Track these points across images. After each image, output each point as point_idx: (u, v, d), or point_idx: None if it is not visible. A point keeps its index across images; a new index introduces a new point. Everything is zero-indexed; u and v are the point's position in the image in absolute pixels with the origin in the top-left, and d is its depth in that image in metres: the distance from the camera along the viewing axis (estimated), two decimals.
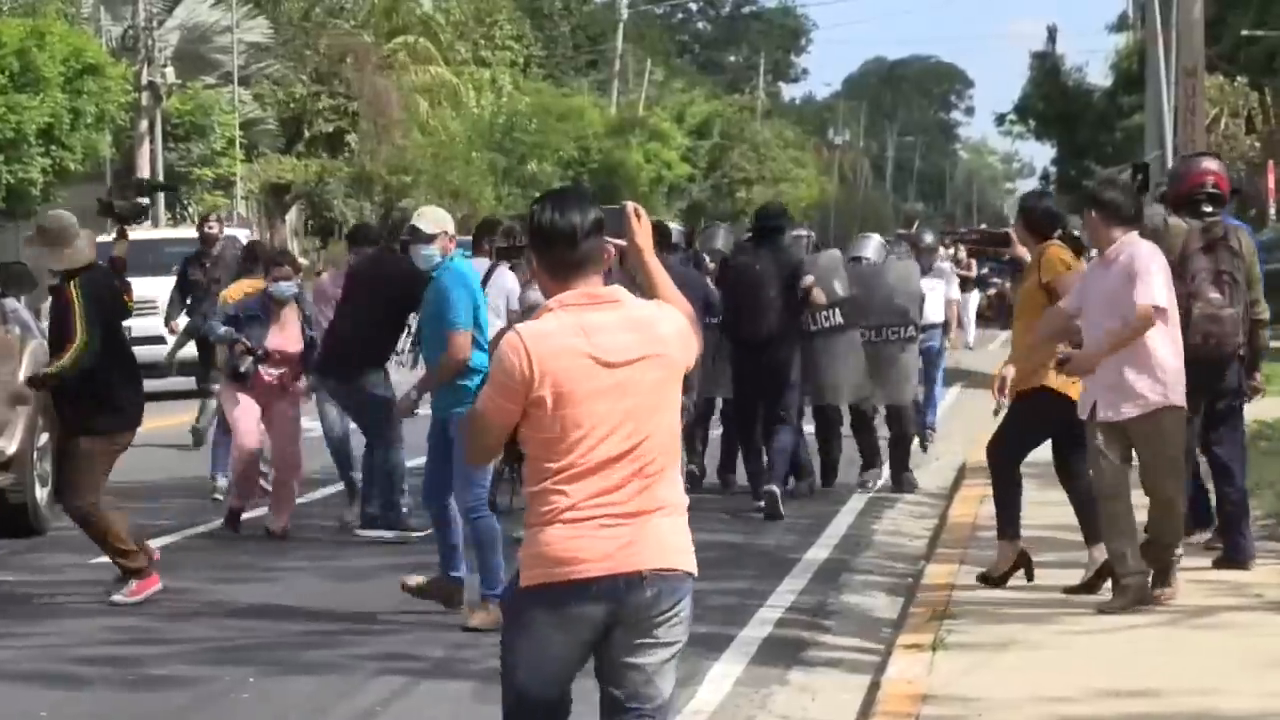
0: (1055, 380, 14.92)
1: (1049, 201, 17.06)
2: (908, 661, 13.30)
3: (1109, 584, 14.87)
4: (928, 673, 12.85)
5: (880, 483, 24.15)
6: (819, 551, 19.66)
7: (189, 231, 41.01)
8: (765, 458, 22.39)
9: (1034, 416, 15.64)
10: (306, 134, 73.50)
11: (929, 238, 30.76)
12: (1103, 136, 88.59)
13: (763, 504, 21.32)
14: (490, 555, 14.63)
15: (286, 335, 17.99)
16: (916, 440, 25.59)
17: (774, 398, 21.87)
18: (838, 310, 22.47)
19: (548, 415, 7.45)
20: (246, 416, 18.81)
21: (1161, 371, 14.12)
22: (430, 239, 14.34)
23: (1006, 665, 13.06)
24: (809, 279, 21.27)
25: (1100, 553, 15.02)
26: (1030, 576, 15.74)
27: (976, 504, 20.93)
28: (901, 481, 23.24)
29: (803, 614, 16.33)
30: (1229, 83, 59.45)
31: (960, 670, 12.87)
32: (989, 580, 15.69)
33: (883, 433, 24.41)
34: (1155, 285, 13.80)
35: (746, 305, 21.69)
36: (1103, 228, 14.12)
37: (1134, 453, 14.60)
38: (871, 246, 23.26)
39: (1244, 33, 45.11)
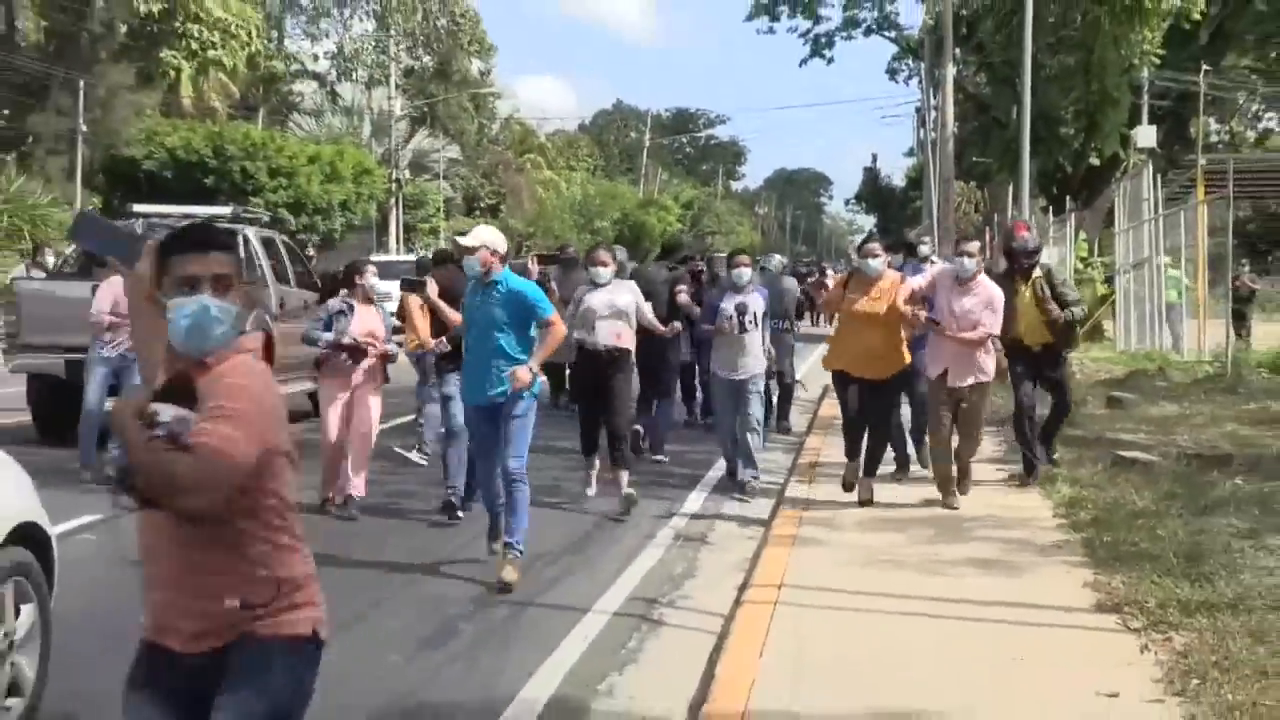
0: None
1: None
2: (798, 489, 13.12)
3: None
4: (808, 492, 12.77)
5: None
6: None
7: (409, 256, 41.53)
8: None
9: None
10: (479, 206, 73.61)
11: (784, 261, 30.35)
12: (901, 213, 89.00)
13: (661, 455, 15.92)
14: (525, 517, 9.78)
15: (373, 318, 12.74)
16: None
17: (656, 374, 16.23)
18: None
19: (282, 460, 4.08)
20: (333, 411, 12.55)
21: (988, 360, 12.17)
22: (471, 251, 9.70)
23: (850, 497, 12.35)
24: (681, 289, 16.25)
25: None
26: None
27: (834, 407, 20.52)
28: (782, 428, 18.68)
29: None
30: (966, 185, 59.52)
31: (825, 494, 12.65)
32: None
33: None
34: (1000, 319, 11.99)
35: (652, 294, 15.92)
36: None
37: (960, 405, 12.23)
38: (774, 260, 19.64)
39: (974, 159, 44.98)
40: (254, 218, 20.04)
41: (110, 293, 13.89)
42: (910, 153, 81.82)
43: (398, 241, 61.18)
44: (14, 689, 6.22)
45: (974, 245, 12.25)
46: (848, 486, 12.59)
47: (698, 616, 8.85)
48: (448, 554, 10.54)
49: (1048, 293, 12.94)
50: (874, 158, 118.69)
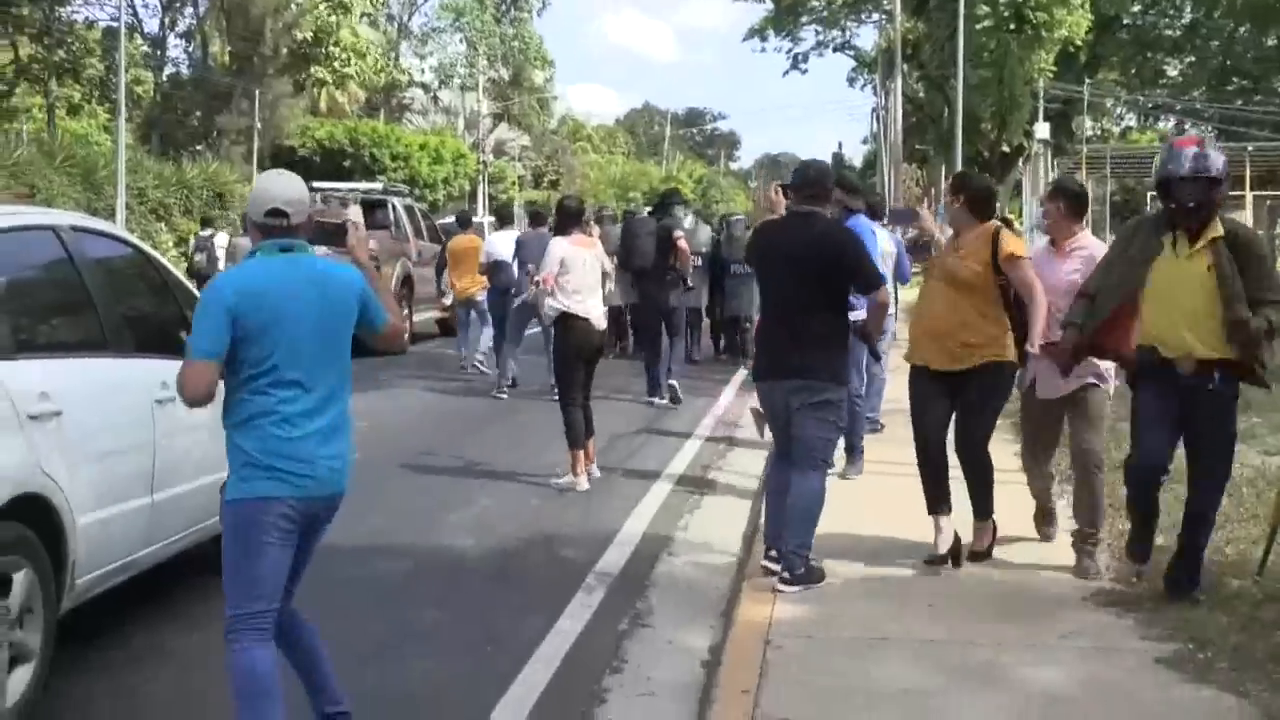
0: (1011, 352, 6.11)
1: (988, 180, 7.74)
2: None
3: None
4: None
5: None
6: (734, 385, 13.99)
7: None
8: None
9: (1003, 389, 6.31)
10: (545, 182, 73.47)
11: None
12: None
13: (667, 397, 12.57)
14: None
15: None
16: None
17: (661, 318, 13.17)
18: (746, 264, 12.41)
19: None
20: None
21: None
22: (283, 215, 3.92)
23: None
24: (679, 234, 13.23)
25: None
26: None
27: None
28: None
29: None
30: (908, 165, 59.28)
31: None
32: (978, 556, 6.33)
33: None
34: None
35: (634, 246, 13.50)
36: (1065, 220, 6.23)
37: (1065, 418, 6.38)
38: None
39: (915, 146, 44.93)
40: (398, 191, 20.37)
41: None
42: (865, 141, 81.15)
43: (483, 208, 61.35)
44: None
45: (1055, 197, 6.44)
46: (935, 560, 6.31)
47: (740, 478, 9.05)
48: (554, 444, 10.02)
49: (1230, 269, 5.37)
50: (840, 145, 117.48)
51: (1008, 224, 6.55)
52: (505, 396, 12.88)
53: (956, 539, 6.34)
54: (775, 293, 6.15)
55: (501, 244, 13.75)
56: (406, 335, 17.27)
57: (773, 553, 6.08)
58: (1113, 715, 4.44)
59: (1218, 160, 5.38)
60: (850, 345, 6.28)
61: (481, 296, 14.46)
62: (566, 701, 4.73)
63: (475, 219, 19.32)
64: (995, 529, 6.47)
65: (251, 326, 3.76)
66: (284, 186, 3.97)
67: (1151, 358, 5.55)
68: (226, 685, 3.82)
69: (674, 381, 12.85)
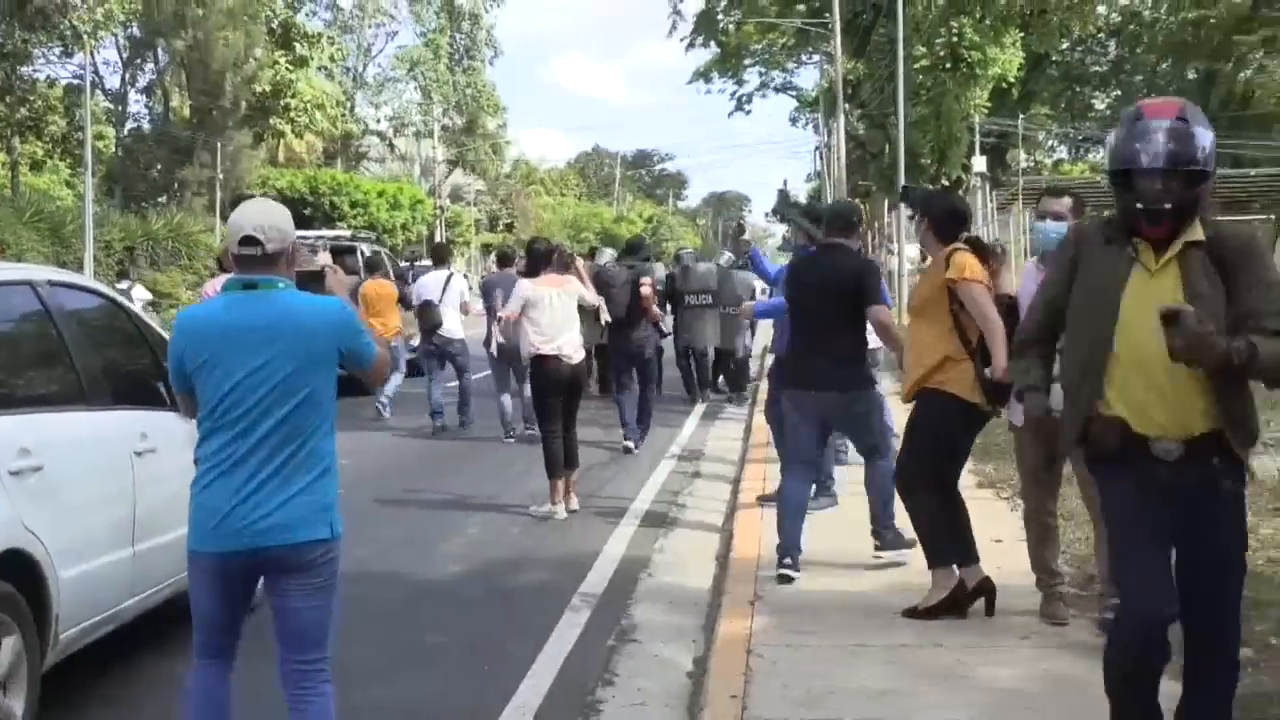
0: (954, 384, 5.62)
1: (950, 199, 6.91)
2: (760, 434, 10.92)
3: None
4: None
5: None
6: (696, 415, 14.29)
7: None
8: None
9: (935, 422, 5.66)
10: (500, 225, 73.55)
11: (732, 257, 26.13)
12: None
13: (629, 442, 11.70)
14: None
15: None
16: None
17: (632, 364, 12.40)
18: (709, 295, 14.81)
19: None
20: None
21: None
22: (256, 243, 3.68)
23: None
24: (644, 280, 12.58)
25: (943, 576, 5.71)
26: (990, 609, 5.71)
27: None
28: (737, 398, 15.25)
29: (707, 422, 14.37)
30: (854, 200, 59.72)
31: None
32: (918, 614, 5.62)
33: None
34: None
35: (610, 296, 11.91)
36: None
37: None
38: (725, 256, 12.78)
39: (858, 182, 45.48)
40: (366, 237, 20.55)
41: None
42: (809, 179, 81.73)
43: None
44: None
45: (1064, 202, 5.51)
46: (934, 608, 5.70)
47: (708, 502, 9.23)
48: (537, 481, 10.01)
49: (1209, 287, 3.36)
50: (785, 182, 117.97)
51: (976, 244, 5.84)
52: (443, 428, 12.82)
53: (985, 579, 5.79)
54: (812, 316, 6.60)
55: (432, 284, 13.23)
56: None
57: (788, 560, 6.46)
58: (1070, 706, 4.59)
59: (1204, 139, 3.37)
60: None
61: (397, 343, 13.81)
62: (564, 714, 4.90)
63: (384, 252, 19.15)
64: (958, 595, 5.67)
65: (193, 368, 3.64)
66: (255, 212, 3.71)
67: (1117, 438, 3.46)
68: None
69: (625, 434, 11.95)
